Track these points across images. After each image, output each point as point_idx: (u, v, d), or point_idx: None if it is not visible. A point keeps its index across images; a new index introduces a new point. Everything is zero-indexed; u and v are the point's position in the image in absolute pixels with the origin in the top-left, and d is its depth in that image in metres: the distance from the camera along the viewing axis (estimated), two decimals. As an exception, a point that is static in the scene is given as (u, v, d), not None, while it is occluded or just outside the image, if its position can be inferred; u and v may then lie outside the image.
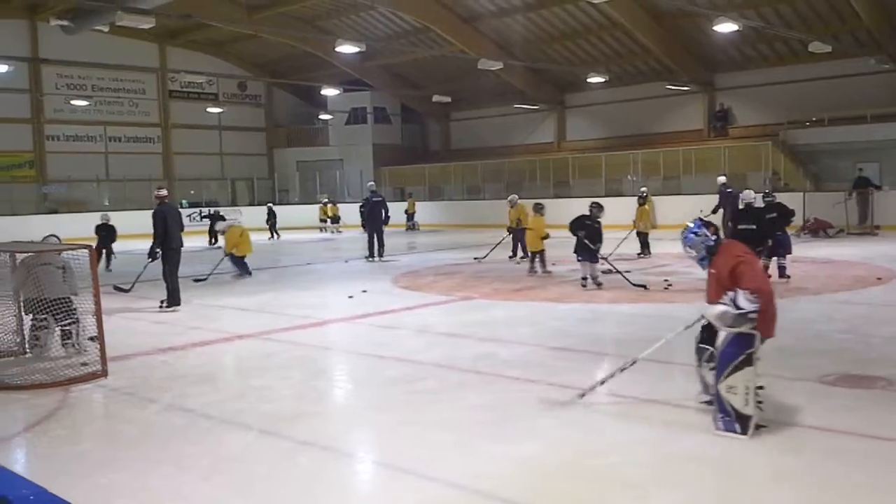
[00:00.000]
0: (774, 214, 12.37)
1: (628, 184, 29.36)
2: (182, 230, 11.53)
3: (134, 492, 4.53)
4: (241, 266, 15.29)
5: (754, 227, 11.56)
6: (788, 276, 12.18)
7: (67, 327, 8.00)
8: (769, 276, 11.98)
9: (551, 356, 7.73)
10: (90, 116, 33.78)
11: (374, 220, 18.34)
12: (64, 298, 7.91)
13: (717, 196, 18.62)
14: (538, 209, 14.89)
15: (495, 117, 35.79)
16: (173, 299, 11.18)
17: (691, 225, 5.54)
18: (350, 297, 12.14)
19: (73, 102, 32.25)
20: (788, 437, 5.15)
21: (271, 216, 28.32)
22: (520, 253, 16.87)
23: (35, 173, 32.50)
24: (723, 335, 5.13)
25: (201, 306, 11.52)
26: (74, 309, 7.96)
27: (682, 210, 21.61)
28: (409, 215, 31.24)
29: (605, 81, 28.52)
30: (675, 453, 4.80)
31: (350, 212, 31.45)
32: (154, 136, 36.24)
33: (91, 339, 7.67)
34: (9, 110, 31.45)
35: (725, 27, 20.56)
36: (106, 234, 17.55)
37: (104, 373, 7.15)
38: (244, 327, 9.66)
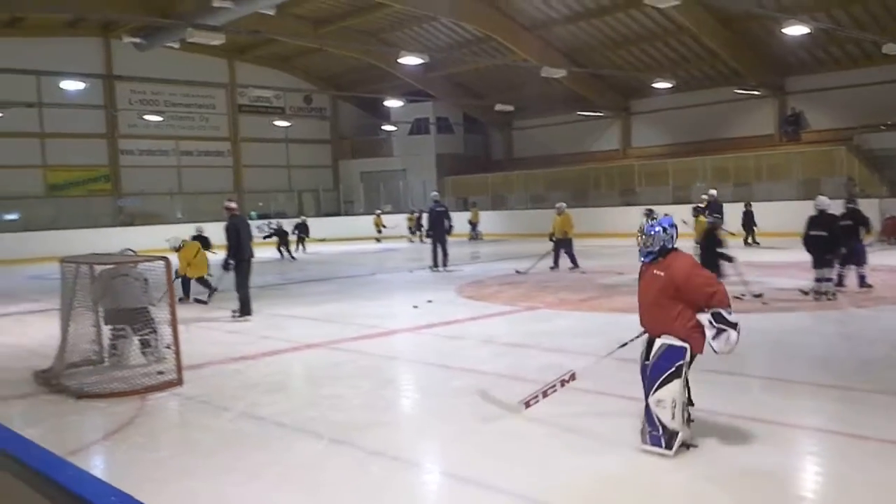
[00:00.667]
0: (850, 222, 11.97)
1: (697, 191, 28.83)
2: (251, 241, 11.80)
3: (209, 499, 4.64)
4: (203, 285, 13.91)
5: (825, 233, 11.22)
6: (870, 286, 11.77)
7: (146, 336, 8.22)
8: (845, 287, 11.64)
9: (620, 367, 7.59)
10: (162, 131, 34.78)
11: (437, 229, 18.40)
12: (142, 308, 8.15)
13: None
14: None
15: (559, 125, 35.59)
16: (245, 309, 11.41)
17: (664, 219, 5.38)
18: (415, 307, 12.20)
19: (146, 118, 33.26)
20: (873, 450, 4.97)
21: (303, 230, 27.61)
22: (567, 263, 16.80)
23: (110, 187, 33.59)
24: (655, 348, 5.01)
25: (271, 316, 11.73)
26: (153, 319, 8.18)
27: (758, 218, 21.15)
28: (473, 225, 31.26)
29: (671, 87, 28.12)
30: (752, 468, 4.68)
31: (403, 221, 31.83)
32: (224, 149, 37.12)
33: (167, 346, 7.88)
34: (85, 126, 32.62)
35: (795, 30, 20.07)
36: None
37: (179, 381, 7.34)
38: (313, 337, 9.79)
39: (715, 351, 4.94)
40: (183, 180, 35.33)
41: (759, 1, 23.42)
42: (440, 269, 17.93)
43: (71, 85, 28.59)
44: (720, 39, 26.88)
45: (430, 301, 12.71)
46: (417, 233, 31.26)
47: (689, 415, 5.05)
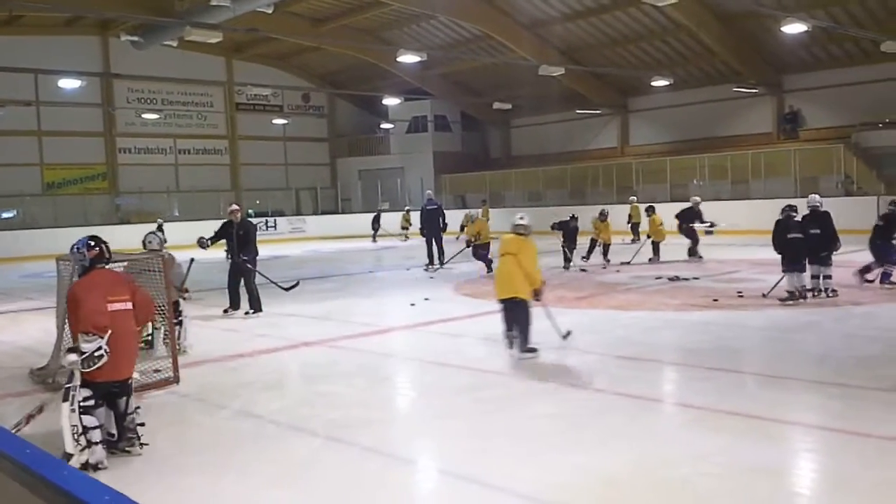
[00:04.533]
0: (881, 223, 12.02)
1: (695, 188, 28.84)
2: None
3: (204, 497, 4.62)
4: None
5: (818, 231, 11.22)
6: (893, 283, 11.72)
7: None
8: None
9: (617, 365, 7.62)
10: (160, 129, 34.70)
11: (430, 227, 18.33)
12: (174, 302, 8.21)
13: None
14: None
15: (557, 123, 35.53)
16: (258, 305, 11.65)
17: (79, 240, 5.52)
18: (412, 304, 12.18)
19: (143, 116, 33.19)
20: (872, 447, 4.96)
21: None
22: (483, 271, 15.89)
23: (108, 185, 33.53)
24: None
25: (267, 314, 11.69)
26: (181, 311, 8.21)
27: (750, 215, 21.22)
28: None
29: (669, 85, 28.07)
30: (748, 465, 4.67)
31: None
32: (222, 147, 37.07)
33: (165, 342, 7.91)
34: (83, 124, 32.56)
35: (794, 28, 20.04)
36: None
37: (176, 379, 7.32)
38: (310, 335, 9.77)
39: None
40: (180, 178, 35.27)
41: (758, -1, 23.44)
42: (436, 266, 17.88)
43: (68, 83, 28.51)
44: (718, 37, 26.86)
45: (427, 299, 12.68)
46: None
47: (96, 437, 4.99)
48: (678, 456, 4.89)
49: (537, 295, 8.04)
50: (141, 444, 5.25)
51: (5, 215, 30.51)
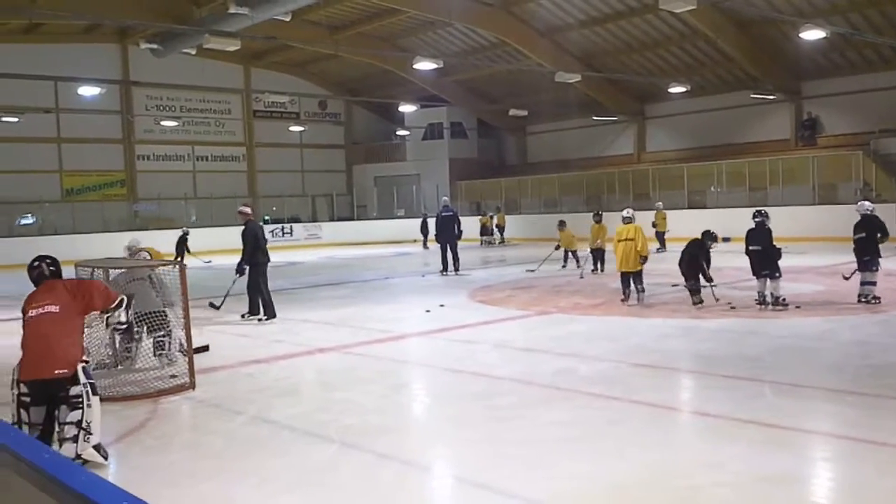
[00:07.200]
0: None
1: (712, 195, 28.69)
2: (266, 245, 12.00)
3: (219, 502, 4.65)
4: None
5: (863, 234, 11.09)
6: None
7: (161, 339, 8.28)
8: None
9: (632, 373, 7.60)
10: (178, 136, 35.00)
11: (445, 234, 18.36)
12: (159, 311, 8.23)
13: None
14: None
15: (573, 130, 35.52)
16: (270, 311, 11.65)
17: None
18: (427, 311, 12.20)
19: (162, 123, 33.48)
20: (888, 456, 4.92)
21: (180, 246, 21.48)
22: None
23: (126, 192, 33.82)
24: None
25: (283, 320, 11.75)
26: (168, 321, 8.26)
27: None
28: (500, 229, 31.01)
29: (686, 91, 27.96)
30: (763, 473, 4.64)
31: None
32: (239, 154, 37.29)
33: (179, 350, 7.97)
34: (102, 131, 32.86)
35: (812, 34, 19.90)
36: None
37: (192, 385, 7.37)
38: (325, 341, 9.82)
39: None
40: (198, 185, 35.52)
41: (776, 5, 23.33)
42: (450, 273, 17.89)
43: (88, 90, 28.79)
44: (736, 43, 26.76)
45: (442, 305, 12.71)
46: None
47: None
48: (693, 465, 4.88)
49: (644, 260, 11.95)
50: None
51: (25, 222, 30.83)
